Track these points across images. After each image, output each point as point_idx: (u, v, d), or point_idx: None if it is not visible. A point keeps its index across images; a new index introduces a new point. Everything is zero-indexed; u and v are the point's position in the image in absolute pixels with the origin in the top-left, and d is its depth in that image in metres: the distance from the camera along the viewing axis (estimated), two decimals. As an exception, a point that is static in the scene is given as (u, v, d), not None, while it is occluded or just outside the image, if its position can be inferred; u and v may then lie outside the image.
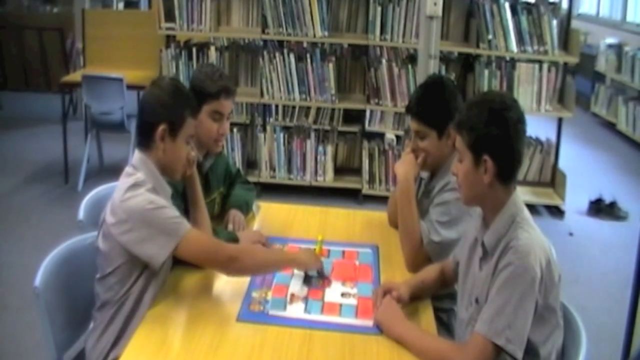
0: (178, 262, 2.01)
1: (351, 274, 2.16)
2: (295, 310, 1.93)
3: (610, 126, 7.79)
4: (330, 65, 5.03)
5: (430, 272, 2.12)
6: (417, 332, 1.79)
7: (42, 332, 1.92)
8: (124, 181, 1.92)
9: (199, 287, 2.04)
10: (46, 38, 8.14)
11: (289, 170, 5.20)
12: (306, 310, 1.93)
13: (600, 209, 5.16)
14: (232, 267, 1.93)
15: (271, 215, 2.70)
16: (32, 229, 4.42)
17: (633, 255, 2.62)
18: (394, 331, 1.79)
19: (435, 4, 4.23)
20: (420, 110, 2.29)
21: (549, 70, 5.02)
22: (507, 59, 5.14)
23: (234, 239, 2.25)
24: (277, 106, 6.14)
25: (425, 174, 2.43)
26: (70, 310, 2.00)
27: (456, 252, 2.03)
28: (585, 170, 6.17)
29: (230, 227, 2.40)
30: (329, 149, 5.14)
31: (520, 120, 1.72)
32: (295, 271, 2.15)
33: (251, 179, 3.86)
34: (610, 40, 8.15)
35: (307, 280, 2.10)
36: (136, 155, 1.97)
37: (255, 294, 2.00)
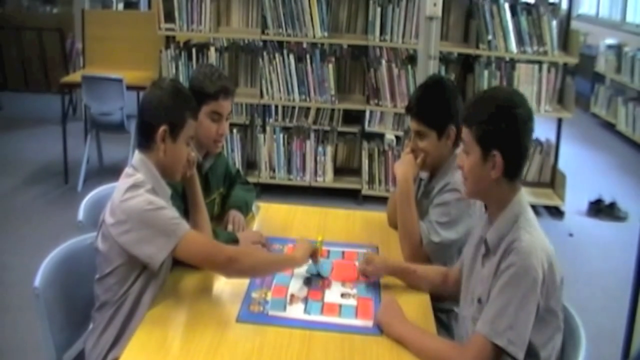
0: (178, 263, 2.01)
1: (351, 274, 2.16)
2: (295, 310, 1.93)
3: (610, 127, 7.79)
4: (330, 65, 5.04)
5: (430, 269, 2.12)
6: (417, 332, 1.78)
7: (42, 333, 1.92)
8: (123, 182, 1.92)
9: (199, 287, 2.04)
10: (46, 38, 8.14)
11: (289, 171, 5.20)
12: (306, 310, 1.93)
13: (600, 209, 5.16)
14: (231, 268, 1.93)
15: (271, 216, 2.70)
16: (32, 230, 4.42)
17: (632, 256, 2.62)
18: (394, 331, 1.79)
19: (434, 4, 4.24)
20: (420, 111, 2.30)
21: (548, 71, 5.02)
22: (507, 59, 5.15)
23: (234, 240, 2.25)
24: (276, 107, 6.14)
25: (424, 175, 2.43)
26: (70, 311, 2.00)
27: (464, 254, 2.02)
28: (584, 170, 6.18)
29: (230, 227, 2.40)
30: (329, 150, 5.14)
31: (530, 118, 1.73)
32: (295, 272, 2.15)
33: (251, 179, 3.86)
34: (610, 40, 8.16)
35: (306, 280, 2.10)
36: (136, 156, 1.97)
37: (255, 295, 2.00)
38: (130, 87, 5.03)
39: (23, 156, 6.00)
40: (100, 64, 5.56)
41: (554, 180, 5.23)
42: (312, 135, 5.15)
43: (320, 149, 5.13)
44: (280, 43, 5.58)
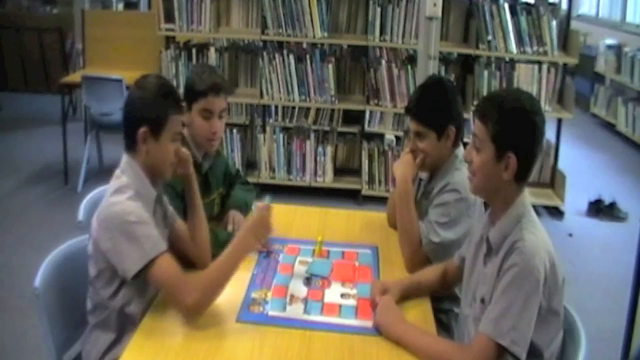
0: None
1: (350, 274, 2.16)
2: (295, 311, 1.93)
3: (610, 127, 7.79)
4: (330, 66, 5.04)
5: (429, 273, 2.12)
6: (417, 333, 1.78)
7: (42, 333, 1.92)
8: (111, 184, 1.91)
9: (199, 287, 2.04)
10: (46, 39, 8.14)
11: (289, 171, 5.20)
12: (306, 311, 1.93)
13: (600, 209, 5.16)
14: (188, 315, 1.81)
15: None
16: (32, 230, 4.42)
17: (632, 256, 2.62)
18: (394, 332, 1.78)
19: (434, 4, 4.24)
20: (420, 111, 2.30)
21: (548, 71, 5.02)
22: (507, 59, 5.15)
23: (234, 240, 2.25)
24: (276, 107, 6.14)
25: (424, 175, 2.43)
26: (70, 311, 2.00)
27: (462, 250, 2.03)
28: (584, 171, 6.18)
29: (230, 227, 2.40)
30: (329, 150, 5.14)
31: (544, 124, 1.74)
32: (295, 272, 2.15)
33: (251, 179, 3.86)
34: (610, 41, 8.16)
35: (306, 281, 2.10)
36: (123, 158, 1.95)
37: (255, 295, 2.00)
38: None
39: (23, 156, 6.00)
40: (100, 64, 5.56)
41: (553, 181, 5.23)
42: (312, 135, 5.15)
43: (320, 149, 5.13)
44: (280, 43, 5.58)
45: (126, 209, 1.82)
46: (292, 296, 2.00)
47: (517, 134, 1.70)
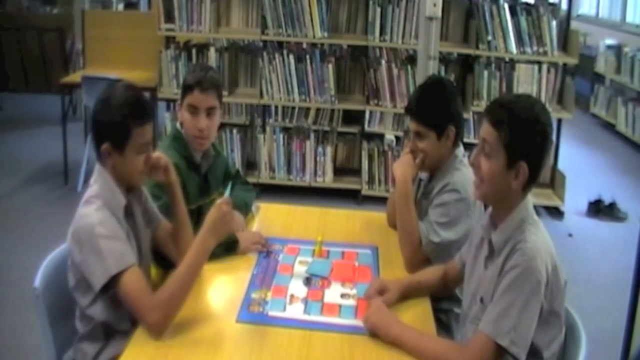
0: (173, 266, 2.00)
1: (350, 274, 2.16)
2: (295, 311, 1.93)
3: (610, 127, 7.79)
4: (330, 66, 5.04)
5: (430, 273, 2.12)
6: (414, 333, 1.78)
7: (42, 333, 1.91)
8: (86, 193, 1.89)
9: (199, 287, 2.03)
10: (46, 39, 8.14)
11: (289, 171, 5.20)
12: (306, 311, 1.93)
13: (600, 209, 5.16)
14: (151, 331, 1.76)
15: (271, 216, 2.70)
16: (32, 230, 4.42)
17: (632, 256, 2.62)
18: (392, 332, 1.77)
19: (434, 4, 4.24)
20: (420, 111, 2.30)
21: (548, 71, 5.02)
22: (507, 60, 5.15)
23: (234, 240, 2.26)
24: (276, 107, 6.13)
25: (424, 175, 2.43)
26: (70, 311, 1.99)
27: (463, 253, 2.03)
28: (584, 171, 6.18)
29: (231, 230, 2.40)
30: (329, 150, 5.14)
31: (552, 133, 1.74)
32: (295, 272, 2.15)
33: (251, 179, 3.86)
34: (610, 41, 8.16)
35: (306, 281, 2.10)
36: (96, 166, 1.93)
37: (254, 295, 2.00)
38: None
39: (23, 156, 6.00)
40: (100, 64, 5.56)
41: (553, 181, 5.23)
42: (312, 135, 5.15)
43: (320, 149, 5.13)
44: (280, 43, 5.58)
45: (92, 221, 1.80)
46: (292, 296, 2.00)
47: (530, 144, 1.69)
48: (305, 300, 1.98)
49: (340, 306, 1.97)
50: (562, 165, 5.24)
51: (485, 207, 1.86)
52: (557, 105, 5.10)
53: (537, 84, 5.01)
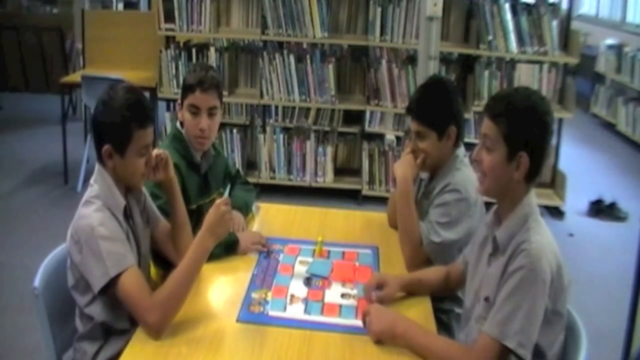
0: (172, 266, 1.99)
1: (351, 275, 2.16)
2: (295, 311, 1.93)
3: (610, 127, 7.79)
4: (330, 66, 5.03)
5: (432, 272, 2.11)
6: (419, 332, 1.77)
7: (42, 333, 1.91)
8: (86, 193, 1.89)
9: (199, 287, 2.03)
10: (46, 38, 8.14)
11: (289, 171, 5.20)
12: (306, 311, 1.93)
13: (600, 209, 5.16)
14: (149, 332, 1.76)
15: (271, 216, 2.70)
16: (32, 230, 4.41)
17: (633, 256, 2.62)
18: (396, 333, 1.76)
19: (435, 4, 4.24)
20: (420, 111, 2.29)
21: (549, 71, 5.02)
22: (507, 59, 5.15)
23: (234, 240, 2.25)
24: (277, 107, 6.14)
25: (425, 175, 2.43)
26: (70, 311, 1.99)
27: (466, 253, 2.02)
28: (585, 171, 6.18)
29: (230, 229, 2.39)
30: (329, 150, 5.14)
31: (554, 122, 1.74)
32: (295, 272, 2.15)
33: (251, 179, 3.84)
34: (610, 41, 8.16)
35: (307, 281, 2.10)
36: (96, 166, 1.93)
37: (255, 295, 2.00)
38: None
39: (23, 156, 6.00)
40: (100, 64, 5.56)
41: (554, 181, 5.23)
42: (312, 135, 5.15)
43: (320, 149, 5.13)
44: (280, 43, 5.58)
45: (92, 222, 1.80)
46: (292, 296, 2.00)
47: (529, 133, 1.70)
48: (306, 300, 1.98)
49: (340, 306, 1.96)
50: (562, 165, 5.24)
51: (487, 207, 1.86)
52: (557, 105, 5.10)
53: (538, 84, 5.01)
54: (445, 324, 2.26)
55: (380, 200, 4.55)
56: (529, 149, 1.69)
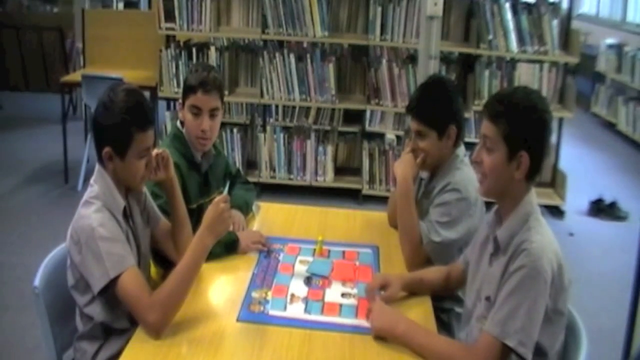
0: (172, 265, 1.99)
1: (351, 274, 2.16)
2: (295, 310, 1.93)
3: (611, 126, 7.79)
4: (331, 65, 5.03)
5: (433, 272, 2.11)
6: (420, 332, 1.78)
7: (42, 332, 1.91)
8: (86, 193, 1.89)
9: (199, 287, 2.03)
10: (46, 38, 8.14)
11: (289, 171, 5.20)
12: (306, 310, 1.93)
13: (601, 209, 5.16)
14: (150, 332, 1.76)
15: (271, 216, 2.69)
16: (32, 229, 4.41)
17: (633, 256, 2.62)
18: (397, 332, 1.77)
19: (435, 4, 4.24)
20: (421, 110, 2.29)
21: (549, 71, 5.02)
22: (508, 59, 5.15)
23: (234, 239, 2.25)
24: (277, 106, 6.13)
25: (425, 175, 2.43)
26: (69, 310, 1.99)
27: (467, 253, 2.02)
28: (585, 170, 6.18)
29: (230, 227, 2.39)
30: (329, 149, 5.13)
31: (552, 120, 1.75)
32: (296, 271, 2.15)
33: (251, 179, 3.85)
34: (611, 40, 8.16)
35: (307, 280, 2.10)
36: (96, 167, 1.93)
37: (255, 294, 1.99)
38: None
39: (23, 156, 6.00)
40: (100, 64, 5.56)
41: (554, 180, 5.23)
42: (313, 135, 5.15)
43: (320, 148, 5.13)
44: (281, 42, 5.58)
45: (92, 223, 1.79)
46: (292, 296, 2.00)
47: (529, 133, 1.70)
48: (306, 300, 1.98)
49: (340, 305, 1.96)
50: (563, 164, 5.24)
51: (488, 206, 1.86)
52: (557, 105, 5.10)
53: (538, 83, 5.00)
54: (445, 323, 2.26)
55: (381, 200, 4.55)
56: (529, 148, 1.69)
